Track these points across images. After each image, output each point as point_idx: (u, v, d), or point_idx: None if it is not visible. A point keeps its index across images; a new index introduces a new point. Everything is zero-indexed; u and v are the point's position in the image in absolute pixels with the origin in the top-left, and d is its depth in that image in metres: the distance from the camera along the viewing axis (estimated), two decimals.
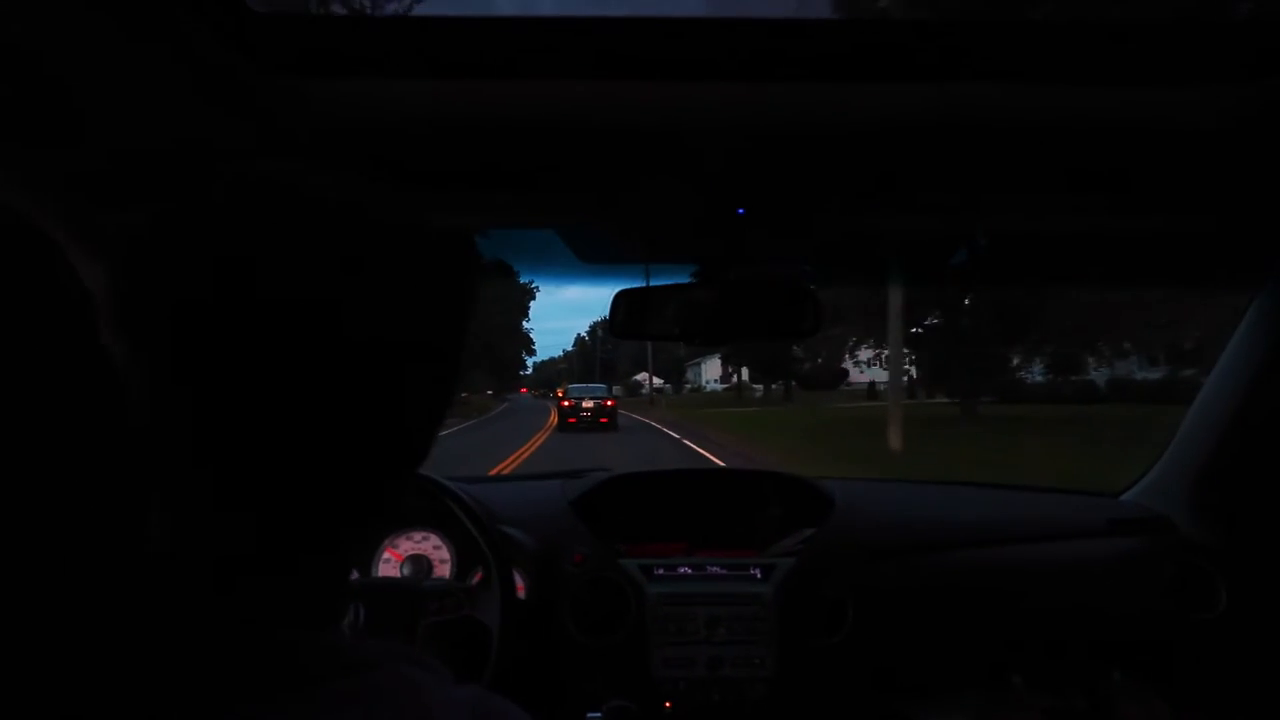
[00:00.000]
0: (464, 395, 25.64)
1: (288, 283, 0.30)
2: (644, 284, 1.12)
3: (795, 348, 28.34)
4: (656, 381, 57.93)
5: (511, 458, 10.74)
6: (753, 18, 0.68)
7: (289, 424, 0.30)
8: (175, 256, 0.29)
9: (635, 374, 62.31)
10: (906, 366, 21.09)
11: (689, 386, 54.87)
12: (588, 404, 17.09)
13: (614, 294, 1.12)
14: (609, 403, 17.36)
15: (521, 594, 1.22)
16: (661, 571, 1.36)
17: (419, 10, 0.69)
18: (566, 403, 17.57)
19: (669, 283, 1.11)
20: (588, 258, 1.37)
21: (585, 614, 1.31)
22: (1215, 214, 1.02)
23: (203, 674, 0.30)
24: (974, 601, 1.35)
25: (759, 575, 1.35)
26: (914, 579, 1.36)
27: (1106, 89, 0.73)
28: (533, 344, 65.14)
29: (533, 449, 12.30)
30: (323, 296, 0.30)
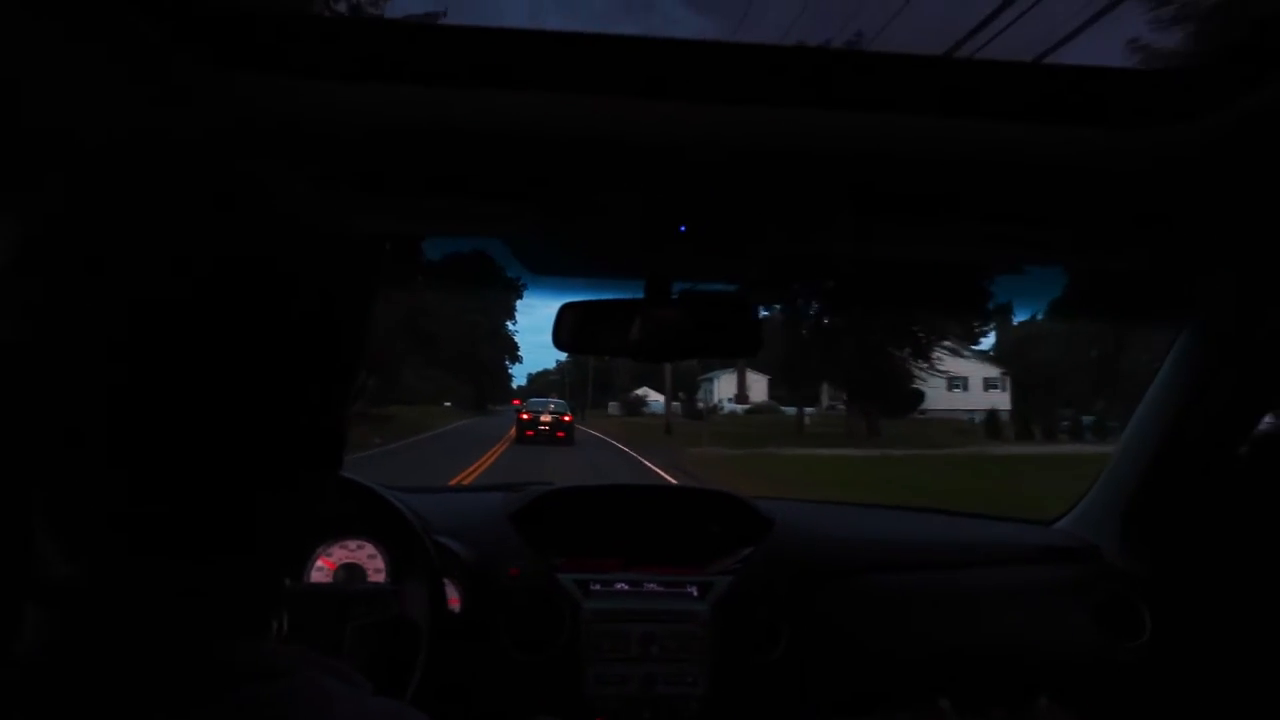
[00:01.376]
0: (386, 411, 22.21)
1: (188, 271, 0.31)
2: (590, 298, 1.14)
3: (896, 351, 23.04)
4: (656, 398, 50.45)
5: None
6: (701, 40, 0.71)
7: (196, 415, 0.31)
8: (81, 243, 0.30)
9: (636, 388, 55.98)
10: None
11: (701, 405, 46.38)
12: (545, 418, 18.34)
13: (559, 307, 1.14)
14: (566, 417, 18.69)
15: (455, 606, 1.24)
16: (598, 587, 1.39)
17: (368, 13, 0.74)
18: (525, 415, 18.72)
19: (614, 297, 1.14)
20: (536, 269, 1.44)
21: (519, 628, 1.34)
22: (1141, 251, 1.07)
23: (108, 682, 0.30)
24: (907, 624, 1.40)
25: (695, 593, 1.38)
26: (849, 600, 1.41)
27: (1036, 127, 0.77)
28: (517, 349, 58.71)
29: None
30: (224, 288, 0.31)
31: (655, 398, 51.98)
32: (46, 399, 0.29)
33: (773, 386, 47.56)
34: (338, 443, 0.38)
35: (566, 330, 1.13)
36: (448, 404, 41.27)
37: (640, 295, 1.13)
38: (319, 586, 1.22)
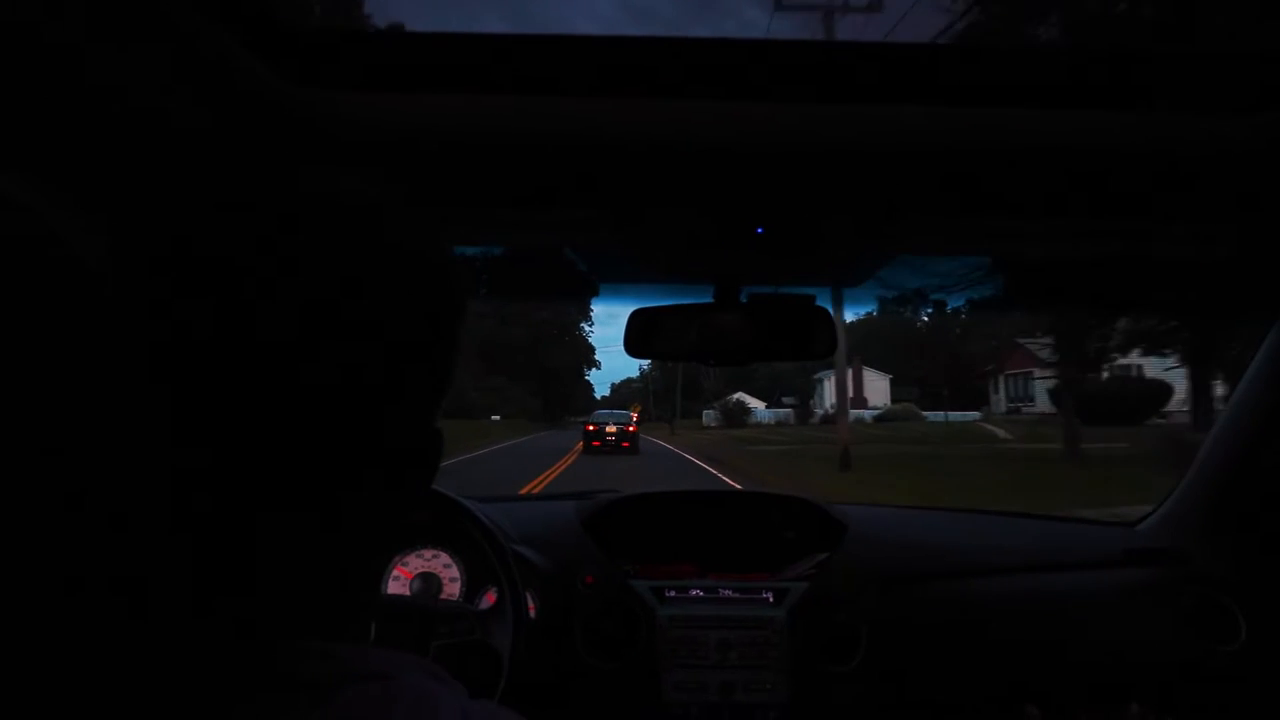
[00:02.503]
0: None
1: (293, 278, 0.33)
2: (660, 303, 1.18)
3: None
4: (756, 403, 46.84)
5: None
6: (770, 39, 0.78)
7: (284, 415, 0.33)
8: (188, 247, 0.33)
9: (730, 393, 50.92)
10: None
11: (820, 413, 41.99)
12: (611, 428, 19.95)
13: (629, 313, 1.19)
14: (630, 428, 20.36)
15: (532, 614, 1.28)
16: (673, 593, 1.44)
17: (442, 27, 0.80)
18: (591, 426, 20.51)
19: (685, 302, 1.17)
20: (605, 276, 1.50)
21: (596, 636, 1.38)
22: (1231, 242, 1.06)
23: (197, 680, 0.32)
24: (989, 630, 1.40)
25: (771, 599, 1.41)
26: (928, 606, 1.42)
27: (1119, 114, 0.78)
28: (593, 352, 55.96)
29: None
30: (324, 294, 0.34)
31: (754, 403, 47.65)
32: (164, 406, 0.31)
33: (897, 387, 43.73)
34: (434, 452, 0.41)
35: (637, 335, 1.17)
36: (495, 417, 36.86)
37: (708, 299, 1.17)
38: (403, 600, 1.28)
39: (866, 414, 37.91)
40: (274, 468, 0.33)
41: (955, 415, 34.60)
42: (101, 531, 0.28)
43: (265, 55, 0.69)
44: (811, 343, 1.15)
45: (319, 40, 0.71)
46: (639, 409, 33.10)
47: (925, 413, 35.96)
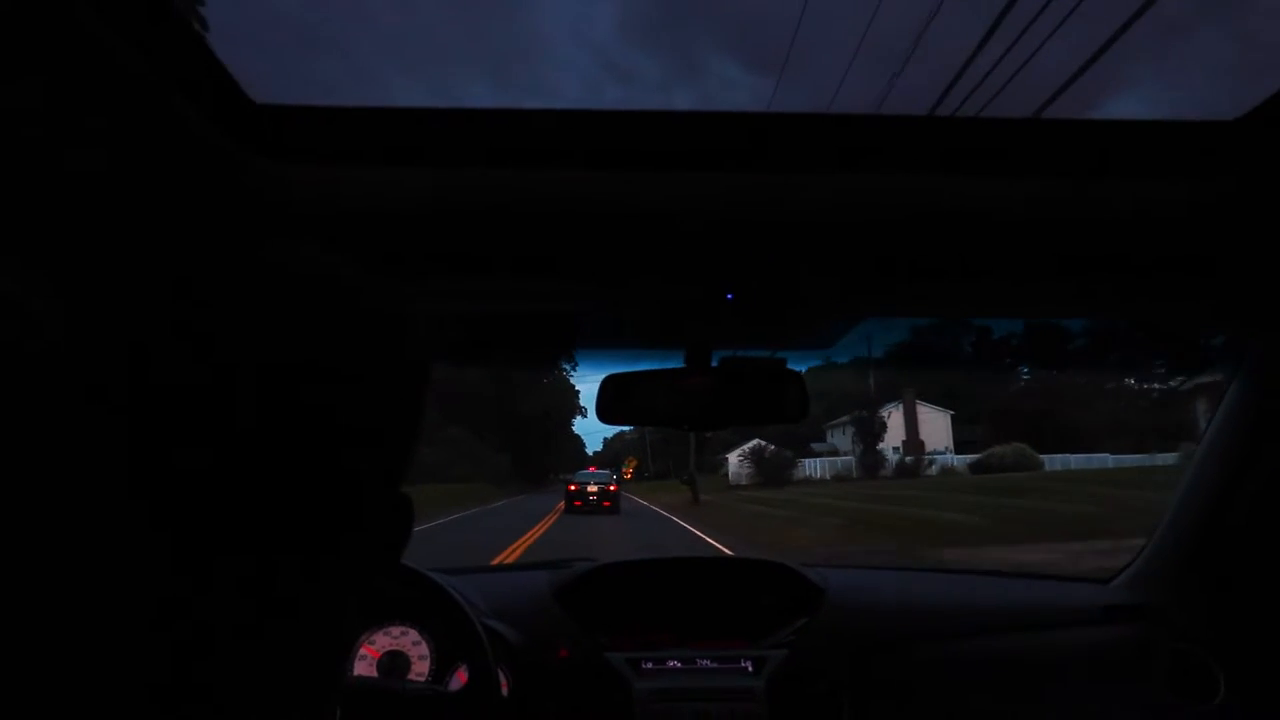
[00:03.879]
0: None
1: (262, 354, 0.34)
2: (631, 369, 1.22)
3: None
4: (733, 462, 39.38)
5: None
6: (746, 112, 0.77)
7: (248, 488, 0.33)
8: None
9: (743, 442, 42.43)
10: None
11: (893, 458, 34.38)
12: (592, 488, 21.14)
13: (601, 379, 1.22)
14: (611, 488, 21.46)
15: (505, 692, 1.29)
16: (650, 665, 1.45)
17: (412, 103, 0.85)
18: (573, 486, 21.62)
19: (657, 366, 1.21)
20: (580, 344, 1.55)
21: (572, 713, 1.39)
22: (1193, 301, 1.12)
23: None
24: (971, 692, 1.43)
25: (750, 668, 1.43)
26: (909, 670, 1.45)
27: (1090, 181, 0.83)
28: (578, 396, 50.57)
29: None
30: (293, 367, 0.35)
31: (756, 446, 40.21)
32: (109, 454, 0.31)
33: (959, 425, 38.07)
34: (405, 520, 0.42)
35: (610, 401, 1.21)
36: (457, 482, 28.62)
37: (679, 364, 1.21)
38: (370, 683, 1.27)
39: (952, 459, 32.51)
40: (240, 539, 0.33)
41: (1077, 459, 29.05)
42: (71, 610, 0.29)
43: (234, 129, 0.72)
44: (783, 405, 1.19)
45: (288, 115, 0.74)
46: (635, 463, 31.10)
47: (1045, 455, 29.05)
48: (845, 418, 39.46)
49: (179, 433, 0.32)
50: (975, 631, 1.51)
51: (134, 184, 0.70)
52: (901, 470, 31.82)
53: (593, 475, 23.32)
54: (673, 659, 1.47)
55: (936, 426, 38.59)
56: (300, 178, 0.81)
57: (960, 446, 35.78)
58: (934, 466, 32.11)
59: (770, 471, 33.20)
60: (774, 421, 1.26)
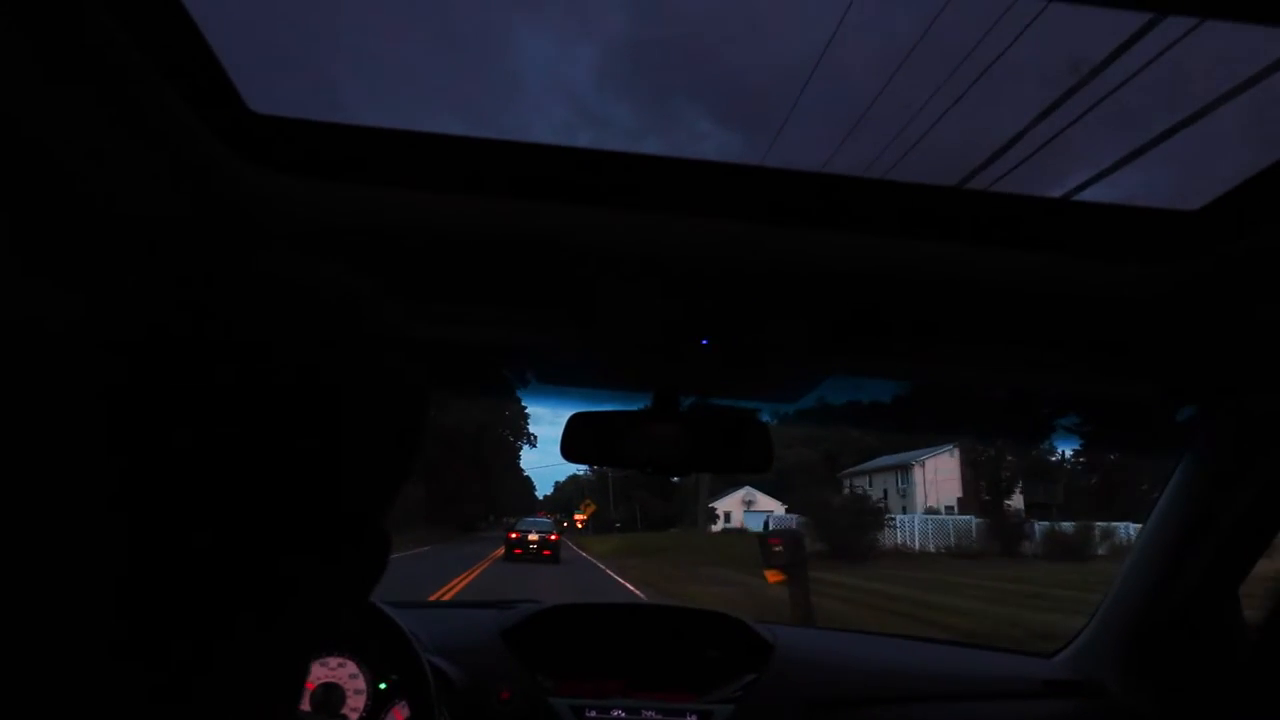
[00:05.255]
0: None
1: (262, 364, 0.35)
2: (597, 409, 1.24)
3: None
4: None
5: None
6: (727, 162, 0.81)
7: (239, 504, 0.34)
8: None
9: (720, 497, 42.35)
10: None
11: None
12: (533, 536, 21.49)
13: (568, 416, 1.25)
14: (552, 536, 21.66)
15: None
16: (593, 714, 1.46)
17: (407, 125, 0.88)
18: (514, 534, 21.89)
19: (623, 409, 1.25)
20: (544, 376, 1.58)
21: None
22: (1145, 379, 1.20)
23: None
24: None
25: None
26: None
27: (1039, 256, 0.89)
28: (525, 422, 43.87)
29: None
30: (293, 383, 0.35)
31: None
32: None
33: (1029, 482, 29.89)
34: (383, 553, 0.42)
35: (576, 441, 1.23)
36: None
37: (645, 405, 1.25)
38: (300, 715, 1.24)
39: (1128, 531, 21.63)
40: (224, 557, 0.34)
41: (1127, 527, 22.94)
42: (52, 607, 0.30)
43: (229, 140, 0.74)
44: (748, 456, 1.23)
45: (282, 128, 0.76)
46: (591, 509, 27.67)
47: (1120, 523, 23.12)
48: (925, 452, 31.29)
49: (159, 437, 0.32)
50: (920, 697, 1.56)
51: (126, 183, 0.72)
52: (1056, 544, 22.06)
53: (534, 523, 24.02)
54: (617, 708, 1.49)
55: (948, 487, 31.81)
56: (283, 189, 0.83)
57: (1030, 509, 28.78)
58: (1105, 543, 22.45)
59: (843, 534, 21.05)
60: (739, 471, 1.29)
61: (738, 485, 44.32)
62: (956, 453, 31.12)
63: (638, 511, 44.51)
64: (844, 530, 21.36)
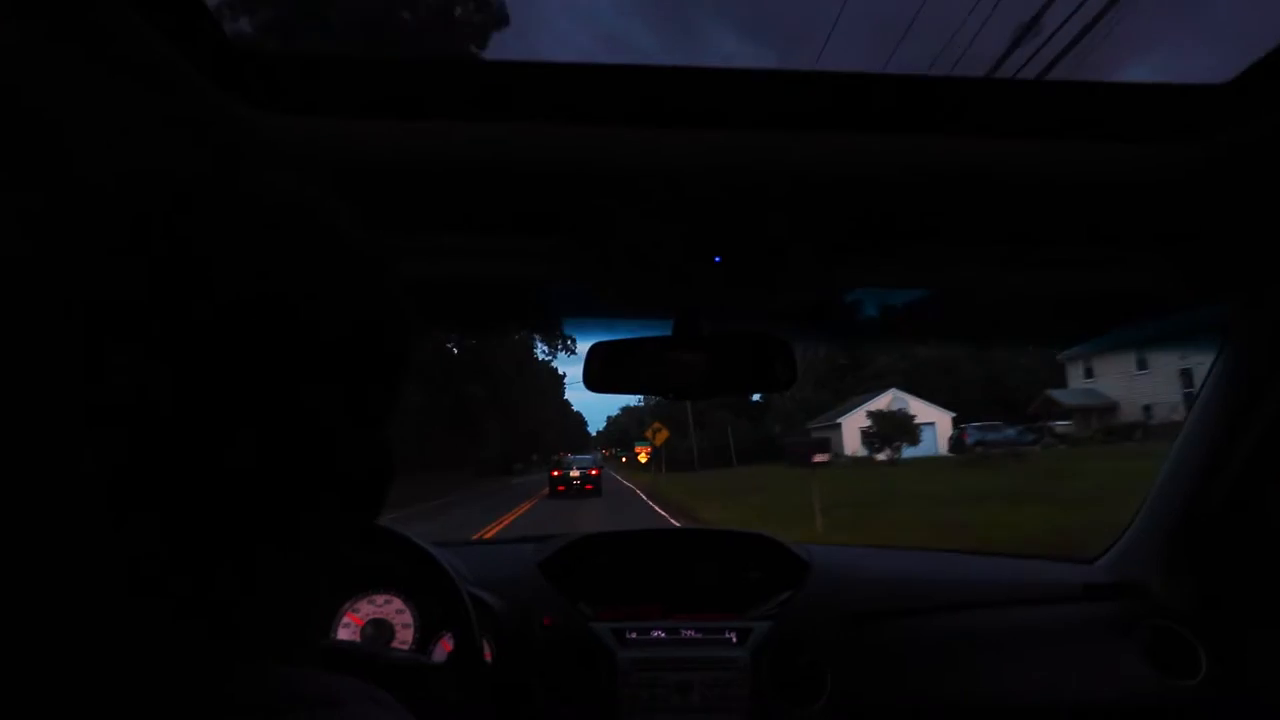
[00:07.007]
0: None
1: (257, 282, 0.36)
2: (619, 336, 1.28)
3: None
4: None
5: None
6: (734, 68, 0.81)
7: (232, 415, 0.35)
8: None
9: (825, 415, 36.20)
10: None
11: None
12: (575, 473, 23.80)
13: (589, 347, 1.30)
14: (593, 471, 24.01)
15: (489, 660, 1.38)
16: (634, 635, 1.55)
17: (398, 53, 0.87)
18: (556, 472, 24.20)
19: (645, 334, 1.29)
20: (565, 310, 1.54)
21: (555, 681, 1.48)
22: (1179, 269, 1.19)
23: (141, 701, 0.34)
24: (953, 668, 1.53)
25: (734, 639, 1.54)
26: (893, 644, 1.55)
27: (1066, 144, 0.89)
28: (569, 344, 40.19)
29: None
30: (280, 293, 0.36)
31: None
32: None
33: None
34: (387, 471, 0.44)
35: (597, 370, 1.28)
36: None
37: (668, 333, 1.28)
38: (353, 647, 1.34)
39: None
40: (225, 486, 0.35)
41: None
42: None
43: (217, 77, 0.75)
44: (772, 375, 1.27)
45: (275, 64, 0.77)
46: (664, 435, 23.98)
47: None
48: None
49: (136, 358, 0.33)
50: (959, 605, 1.62)
51: (101, 122, 0.77)
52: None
53: (576, 460, 26.54)
54: (657, 629, 1.58)
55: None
56: (278, 126, 0.84)
57: None
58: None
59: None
60: (762, 390, 1.33)
61: (875, 389, 35.03)
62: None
63: (731, 439, 37.30)
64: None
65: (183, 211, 0.36)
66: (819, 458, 14.38)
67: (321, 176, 0.90)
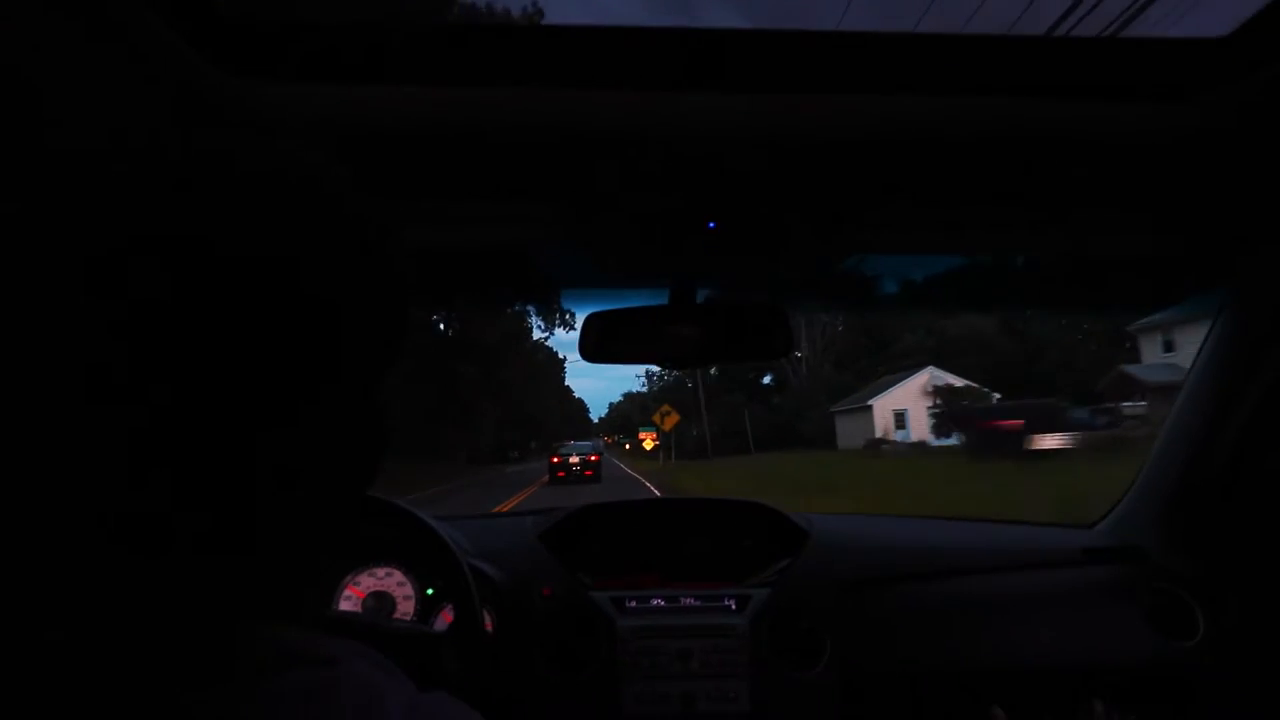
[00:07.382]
0: None
1: (247, 243, 0.36)
2: (614, 307, 1.29)
3: None
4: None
5: None
6: (727, 29, 0.81)
7: (231, 374, 0.35)
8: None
9: (853, 397, 32.35)
10: None
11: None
12: (574, 459, 23.90)
13: (584, 317, 1.32)
14: (593, 457, 24.11)
15: (489, 630, 1.39)
16: (634, 604, 1.57)
17: (394, 17, 0.87)
18: (556, 459, 24.19)
19: (641, 304, 1.30)
20: (561, 280, 1.54)
21: (555, 649, 1.50)
22: (1176, 231, 1.20)
23: (142, 659, 0.35)
24: (952, 632, 1.55)
25: (733, 606, 1.55)
26: (891, 610, 1.57)
27: (1066, 103, 0.89)
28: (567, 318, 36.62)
29: None
30: (274, 255, 0.37)
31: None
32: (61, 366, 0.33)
33: None
34: (381, 428, 0.44)
35: (593, 340, 1.29)
36: None
37: (665, 303, 1.29)
38: (354, 618, 1.36)
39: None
40: (222, 422, 0.35)
41: None
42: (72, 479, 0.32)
43: (205, 47, 0.75)
44: (770, 343, 1.28)
45: (255, 31, 0.78)
46: (673, 419, 23.88)
47: None
48: None
49: (140, 323, 0.34)
50: (957, 571, 1.64)
51: (95, 95, 0.74)
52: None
53: (576, 446, 26.56)
54: (656, 597, 1.60)
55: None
56: (273, 94, 0.85)
57: None
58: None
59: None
60: (759, 359, 1.34)
61: (906, 368, 31.15)
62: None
63: (748, 423, 34.35)
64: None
65: (183, 190, 0.36)
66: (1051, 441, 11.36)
67: (320, 144, 0.90)
